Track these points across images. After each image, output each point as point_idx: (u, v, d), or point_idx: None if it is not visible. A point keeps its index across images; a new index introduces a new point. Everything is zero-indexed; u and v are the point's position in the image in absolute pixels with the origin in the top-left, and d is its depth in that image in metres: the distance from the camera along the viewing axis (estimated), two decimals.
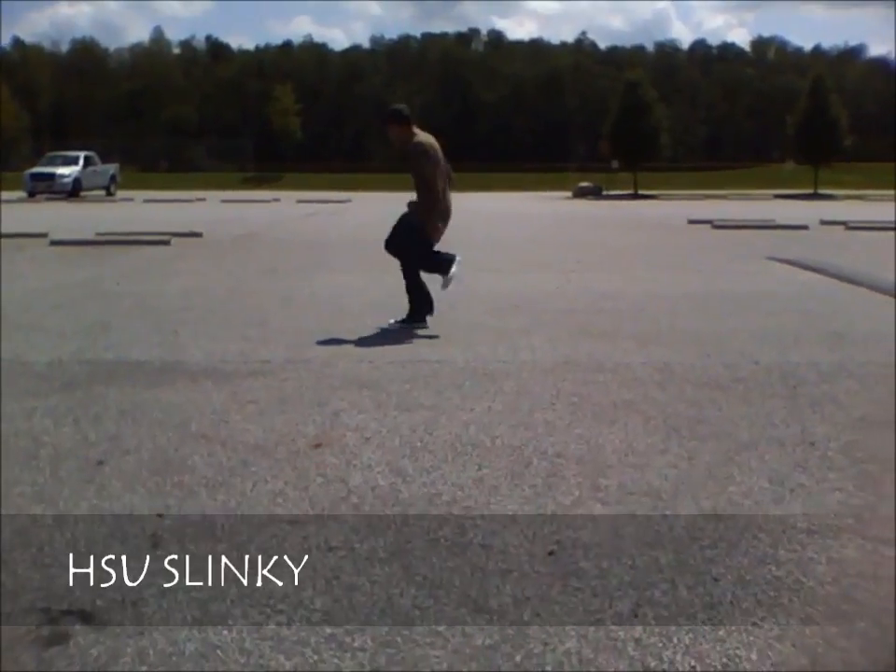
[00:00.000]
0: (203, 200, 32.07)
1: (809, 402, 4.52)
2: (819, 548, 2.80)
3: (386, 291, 8.44)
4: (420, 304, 6.68)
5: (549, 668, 2.13)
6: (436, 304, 6.79)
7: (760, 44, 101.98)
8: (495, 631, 2.30)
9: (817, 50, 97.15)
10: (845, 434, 3.97)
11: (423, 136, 6.70)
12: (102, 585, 2.52)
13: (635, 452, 3.72)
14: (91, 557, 2.69)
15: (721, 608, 2.42)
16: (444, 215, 6.77)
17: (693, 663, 2.16)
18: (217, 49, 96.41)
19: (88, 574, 2.58)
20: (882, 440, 3.89)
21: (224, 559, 2.68)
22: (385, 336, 6.24)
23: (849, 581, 2.57)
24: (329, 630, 2.29)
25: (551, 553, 2.75)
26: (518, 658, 2.18)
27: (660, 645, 2.23)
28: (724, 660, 2.17)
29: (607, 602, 2.45)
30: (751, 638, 2.26)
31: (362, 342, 6.06)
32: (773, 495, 3.25)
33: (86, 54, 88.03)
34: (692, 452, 3.72)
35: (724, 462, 3.60)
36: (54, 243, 13.33)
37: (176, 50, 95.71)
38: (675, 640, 2.26)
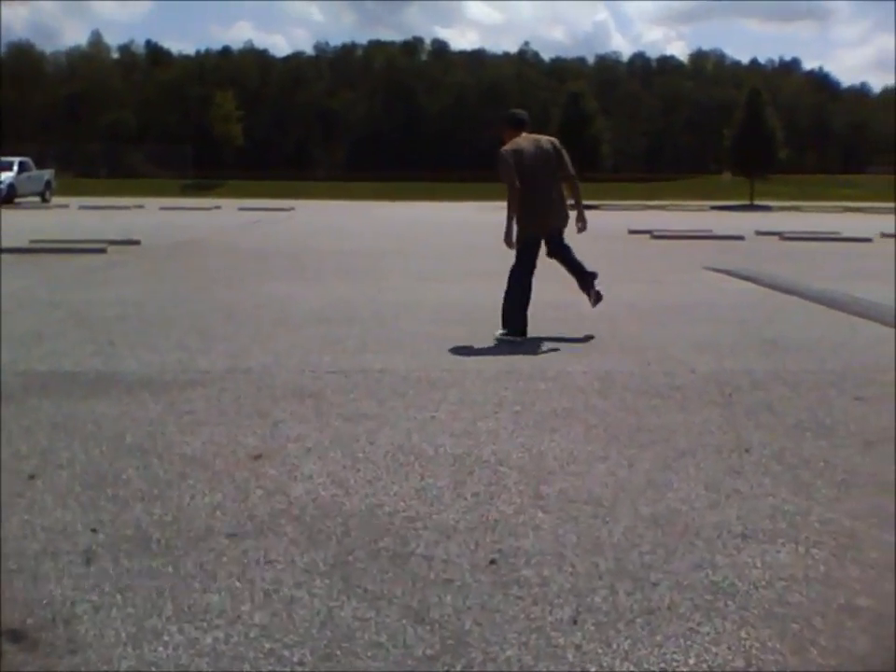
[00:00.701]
0: (142, 207, 31.53)
1: (744, 410, 4.61)
2: (754, 552, 2.85)
3: (328, 300, 8.40)
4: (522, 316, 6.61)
5: None
6: (383, 312, 6.74)
7: (698, 57, 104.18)
8: (436, 641, 2.29)
9: (754, 64, 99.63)
10: (778, 440, 4.06)
11: (513, 142, 6.71)
12: (33, 603, 2.45)
13: (576, 460, 3.76)
14: (23, 574, 2.62)
15: (659, 613, 2.45)
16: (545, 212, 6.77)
17: (631, 668, 2.18)
18: (156, 53, 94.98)
19: (18, 592, 2.51)
20: (814, 446, 3.99)
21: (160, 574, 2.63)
22: (327, 346, 6.20)
23: (783, 585, 2.63)
24: (267, 645, 2.26)
25: (492, 562, 2.76)
26: (459, 667, 2.18)
27: (599, 651, 2.26)
28: (662, 664, 2.20)
29: (547, 609, 2.47)
30: (689, 643, 2.30)
31: (304, 352, 6.01)
32: (709, 500, 3.30)
33: (21, 58, 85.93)
34: (631, 459, 3.77)
35: (663, 469, 3.65)
36: None
37: (115, 55, 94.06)
38: (614, 646, 2.28)
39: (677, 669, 2.18)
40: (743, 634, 2.34)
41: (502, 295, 6.70)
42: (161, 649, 2.24)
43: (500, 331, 6.57)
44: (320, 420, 4.30)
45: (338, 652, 2.23)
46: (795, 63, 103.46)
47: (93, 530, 2.96)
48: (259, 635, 2.31)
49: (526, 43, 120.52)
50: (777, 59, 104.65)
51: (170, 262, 12.31)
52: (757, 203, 43.01)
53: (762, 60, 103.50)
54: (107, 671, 2.14)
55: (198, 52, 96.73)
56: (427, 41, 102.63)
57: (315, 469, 3.58)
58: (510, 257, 6.99)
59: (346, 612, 2.43)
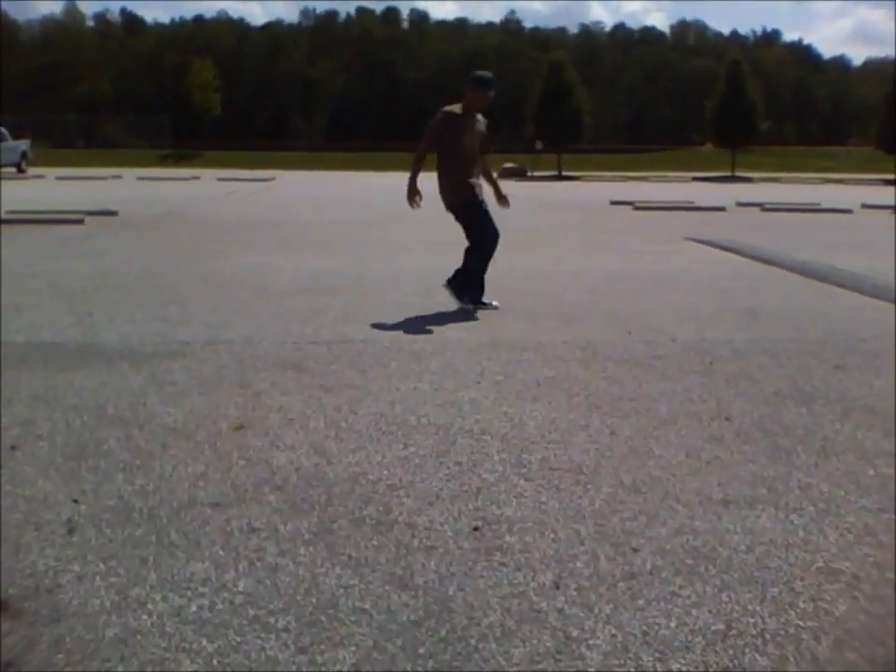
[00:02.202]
0: (119, 177, 31.16)
1: (725, 378, 4.65)
2: (735, 518, 2.89)
3: (309, 271, 8.36)
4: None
5: (473, 641, 2.15)
6: (365, 283, 6.69)
7: (680, 28, 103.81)
8: (420, 607, 2.31)
9: (735, 35, 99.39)
10: (758, 408, 4.10)
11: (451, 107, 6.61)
12: (16, 573, 2.44)
13: (557, 428, 3.78)
14: (6, 544, 2.61)
15: (640, 577, 2.48)
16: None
17: (613, 631, 2.20)
18: (131, 21, 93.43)
19: (2, 562, 2.50)
20: (794, 413, 4.03)
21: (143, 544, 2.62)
22: (308, 317, 6.18)
23: (763, 549, 2.66)
24: (252, 611, 2.27)
25: (475, 529, 2.77)
26: (442, 632, 2.19)
27: (581, 615, 2.28)
28: (644, 628, 2.22)
29: (530, 575, 2.49)
30: (669, 606, 2.32)
31: (285, 322, 5.98)
32: (690, 468, 3.33)
33: None
34: (612, 427, 3.79)
35: (644, 437, 3.68)
36: None
37: (90, 23, 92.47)
38: (596, 610, 2.30)
39: (658, 632, 2.20)
40: (724, 597, 2.37)
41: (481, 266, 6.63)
42: (145, 617, 2.24)
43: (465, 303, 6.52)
44: (302, 391, 4.29)
45: (322, 619, 2.24)
46: (776, 34, 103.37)
47: (75, 501, 2.94)
48: (243, 602, 2.32)
49: (512, 12, 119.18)
50: (758, 30, 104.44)
51: (148, 233, 12.19)
52: (738, 174, 43.10)
53: (743, 31, 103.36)
54: (92, 640, 2.13)
55: (172, 20, 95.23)
56: (406, 11, 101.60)
57: (297, 439, 3.58)
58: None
59: (331, 579, 2.44)
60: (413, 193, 6.60)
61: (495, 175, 7.04)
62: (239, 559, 2.55)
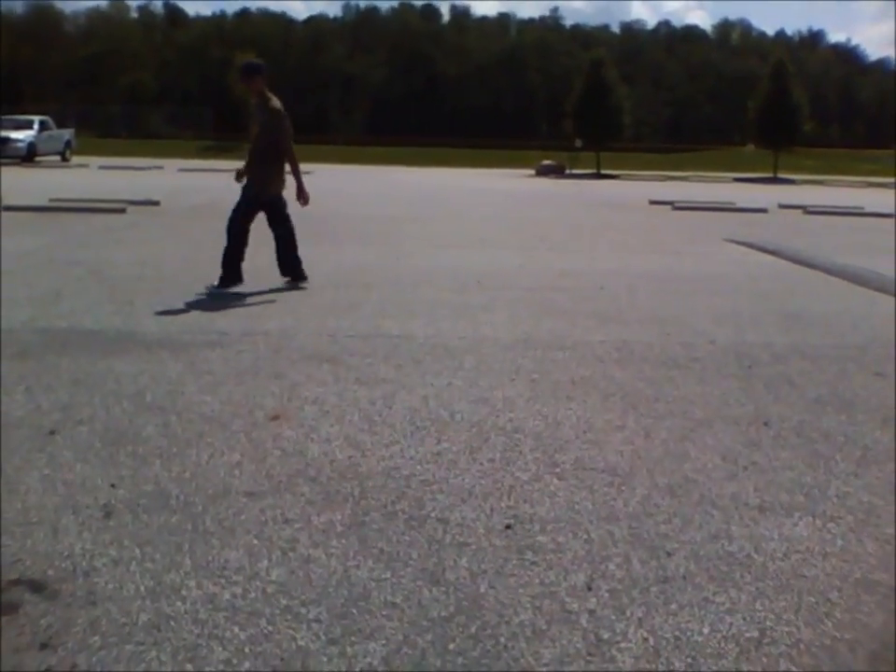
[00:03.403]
0: (161, 168, 31.49)
1: (764, 382, 4.59)
2: (771, 524, 2.85)
3: (346, 265, 8.39)
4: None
5: (503, 639, 2.15)
6: (400, 279, 6.76)
7: (724, 27, 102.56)
8: (451, 603, 2.31)
9: (780, 36, 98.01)
10: (798, 414, 4.04)
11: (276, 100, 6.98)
12: (54, 555, 2.48)
13: (592, 428, 3.75)
14: (43, 526, 2.65)
15: (674, 582, 2.46)
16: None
17: (645, 635, 2.19)
18: (174, 14, 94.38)
19: (39, 544, 2.54)
20: (833, 420, 3.97)
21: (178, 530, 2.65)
22: (345, 310, 6.20)
23: (799, 558, 2.62)
24: (284, 601, 2.28)
25: (507, 527, 2.77)
26: (473, 629, 2.19)
27: (613, 617, 2.26)
28: (676, 633, 2.20)
29: (562, 575, 2.47)
30: (702, 612, 2.30)
31: (322, 315, 6.01)
32: (726, 472, 3.30)
33: (41, 18, 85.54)
34: (648, 429, 3.76)
35: (680, 439, 3.64)
36: (7, 208, 12.99)
37: (134, 15, 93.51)
38: (628, 613, 2.28)
39: (691, 638, 2.18)
40: (758, 605, 2.34)
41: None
42: (179, 603, 2.26)
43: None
44: (337, 383, 4.30)
45: (353, 611, 2.25)
46: (821, 34, 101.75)
47: (113, 486, 2.98)
48: (275, 591, 2.33)
49: (555, 9, 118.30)
50: (803, 30, 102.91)
51: (189, 223, 12.31)
52: (780, 175, 42.50)
53: (788, 31, 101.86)
54: (126, 623, 2.16)
55: (213, 14, 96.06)
56: (447, 6, 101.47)
57: (331, 432, 3.59)
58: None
59: (362, 572, 2.45)
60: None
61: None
62: (272, 549, 2.57)
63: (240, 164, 7.24)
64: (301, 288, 7.05)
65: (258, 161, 6.91)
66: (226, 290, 6.81)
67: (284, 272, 7.21)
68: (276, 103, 6.93)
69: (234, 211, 7.04)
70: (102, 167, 30.08)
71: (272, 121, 6.91)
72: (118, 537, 2.62)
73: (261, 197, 7.03)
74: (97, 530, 2.66)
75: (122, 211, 13.21)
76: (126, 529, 2.67)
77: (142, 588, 2.33)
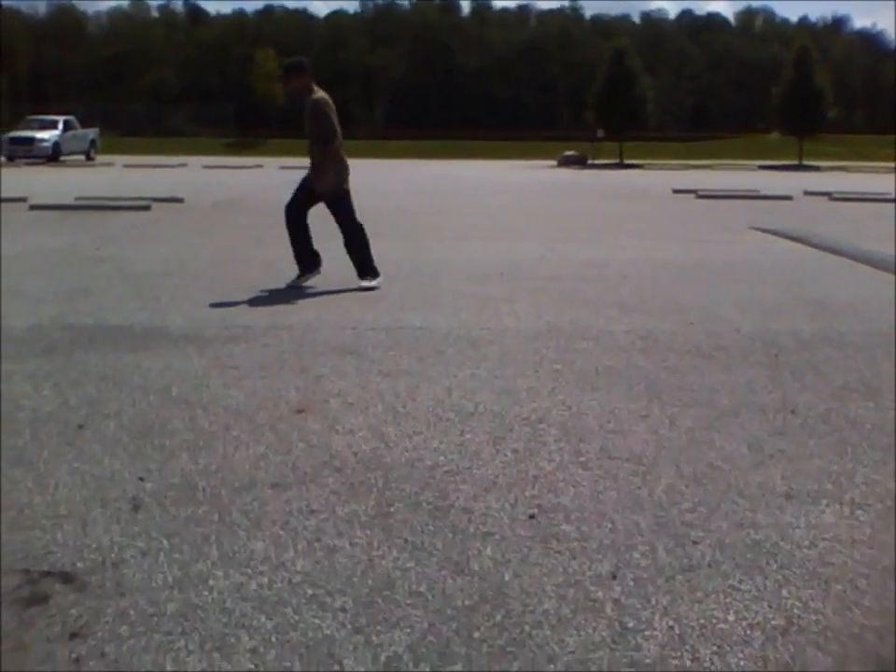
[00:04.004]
0: (185, 165, 31.72)
1: (790, 370, 4.55)
2: (798, 512, 2.83)
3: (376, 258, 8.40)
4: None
5: (528, 628, 2.15)
6: (422, 271, 6.78)
7: (746, 14, 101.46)
8: (475, 591, 2.31)
9: (803, 22, 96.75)
10: (825, 402, 4.00)
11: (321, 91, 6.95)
12: (83, 547, 2.52)
13: (616, 418, 3.74)
14: (73, 519, 2.69)
15: (699, 570, 2.45)
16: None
17: (670, 623, 2.18)
18: (195, 12, 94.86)
19: (69, 536, 2.58)
20: (861, 407, 3.93)
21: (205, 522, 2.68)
22: (368, 303, 6.22)
23: (826, 545, 2.60)
24: (310, 591, 2.30)
25: (532, 517, 2.77)
26: (498, 617, 2.19)
27: (638, 606, 2.26)
28: (702, 621, 2.19)
29: (586, 564, 2.47)
30: (728, 600, 2.29)
31: (345, 308, 6.03)
32: (753, 460, 3.27)
33: (64, 18, 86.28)
34: (673, 418, 3.74)
35: (705, 428, 3.62)
36: (33, 207, 13.16)
37: (155, 14, 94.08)
38: (653, 601, 2.28)
39: (716, 626, 2.17)
40: (784, 593, 2.33)
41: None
42: (206, 593, 2.28)
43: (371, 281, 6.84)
44: (361, 376, 4.32)
45: (379, 600, 2.26)
46: (846, 20, 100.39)
47: (141, 479, 3.02)
48: (301, 581, 2.35)
49: None
50: (828, 16, 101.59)
51: (213, 220, 12.39)
52: (805, 162, 42.06)
53: (812, 18, 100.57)
54: (154, 614, 2.19)
55: (234, 11, 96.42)
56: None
57: (355, 424, 3.61)
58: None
59: (387, 562, 2.46)
60: None
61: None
62: (298, 539, 2.59)
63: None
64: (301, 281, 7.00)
65: (321, 154, 6.89)
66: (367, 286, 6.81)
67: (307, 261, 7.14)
68: (319, 94, 6.90)
69: (341, 211, 7.01)
70: (126, 165, 30.34)
71: (311, 108, 6.87)
72: (146, 529, 2.65)
73: (336, 189, 6.97)
74: (125, 522, 2.69)
75: (147, 208, 13.33)
76: (154, 521, 2.70)
77: (170, 579, 2.36)
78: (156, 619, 2.17)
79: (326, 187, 6.90)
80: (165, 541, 2.56)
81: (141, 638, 2.08)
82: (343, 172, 6.97)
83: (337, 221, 7.05)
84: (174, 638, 2.09)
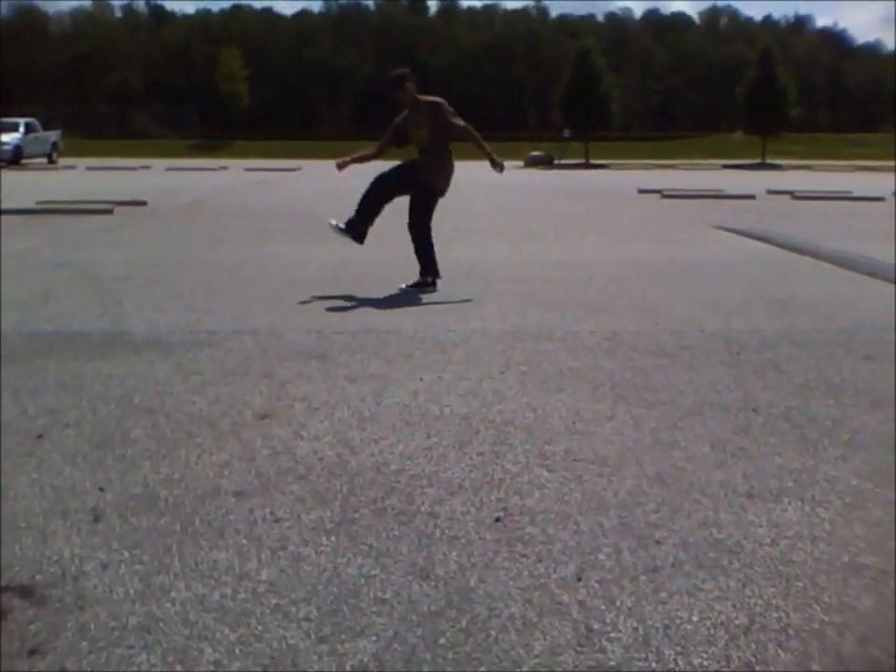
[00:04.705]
0: (149, 168, 31.39)
1: (752, 369, 4.60)
2: (760, 511, 2.85)
3: (335, 261, 8.38)
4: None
5: (493, 633, 2.15)
6: (384, 273, 6.80)
7: (711, 14, 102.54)
8: (441, 597, 2.31)
9: (767, 21, 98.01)
10: (786, 400, 4.05)
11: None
12: (42, 560, 2.48)
13: (582, 419, 3.76)
14: (32, 531, 2.64)
15: (663, 570, 2.46)
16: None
17: (635, 624, 2.19)
18: (158, 13, 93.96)
19: (27, 549, 2.53)
20: (822, 405, 3.98)
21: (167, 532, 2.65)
22: (334, 306, 6.19)
23: (787, 543, 2.63)
24: (274, 600, 2.28)
25: (497, 520, 2.77)
26: (464, 623, 2.19)
27: (603, 608, 2.27)
28: (666, 621, 2.21)
29: (552, 566, 2.48)
30: (692, 600, 2.31)
31: (310, 312, 6.00)
32: (715, 459, 3.30)
33: (25, 18, 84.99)
34: (637, 418, 3.77)
35: (669, 428, 3.65)
36: None
37: (118, 15, 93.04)
38: (618, 603, 2.29)
39: (680, 626, 2.19)
40: (747, 591, 2.35)
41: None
42: (168, 605, 2.26)
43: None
44: (326, 380, 4.30)
45: (344, 608, 2.25)
46: (808, 19, 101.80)
47: (101, 489, 2.97)
48: (265, 591, 2.33)
49: None
50: (790, 15, 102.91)
51: (177, 223, 12.27)
52: (769, 161, 42.58)
53: (775, 16, 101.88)
54: (115, 627, 2.16)
55: (198, 11, 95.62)
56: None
57: (321, 429, 3.59)
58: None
59: (352, 569, 2.45)
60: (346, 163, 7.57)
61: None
62: (262, 548, 2.57)
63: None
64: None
65: (439, 157, 7.01)
66: (425, 288, 6.86)
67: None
68: (434, 98, 7.05)
69: (415, 212, 7.12)
70: (89, 168, 29.97)
71: (436, 112, 6.96)
72: (106, 540, 2.61)
73: (437, 188, 7.09)
74: (86, 534, 2.65)
75: (109, 212, 13.17)
76: (115, 532, 2.66)
77: (131, 591, 2.32)
78: (117, 633, 2.14)
79: (445, 185, 7.06)
80: (126, 553, 2.53)
81: (102, 653, 2.05)
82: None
83: (423, 220, 7.13)
84: (135, 652, 2.06)
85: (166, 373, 4.40)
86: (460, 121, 7.00)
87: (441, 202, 7.25)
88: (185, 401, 3.94)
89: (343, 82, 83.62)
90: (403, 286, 6.87)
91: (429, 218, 7.14)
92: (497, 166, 7.16)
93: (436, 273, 7.01)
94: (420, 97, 7.05)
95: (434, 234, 7.24)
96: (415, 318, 5.79)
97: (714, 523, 2.76)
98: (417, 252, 7.06)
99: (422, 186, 7.02)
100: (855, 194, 18.54)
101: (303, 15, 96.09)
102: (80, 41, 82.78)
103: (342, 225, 7.16)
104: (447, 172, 7.09)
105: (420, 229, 7.06)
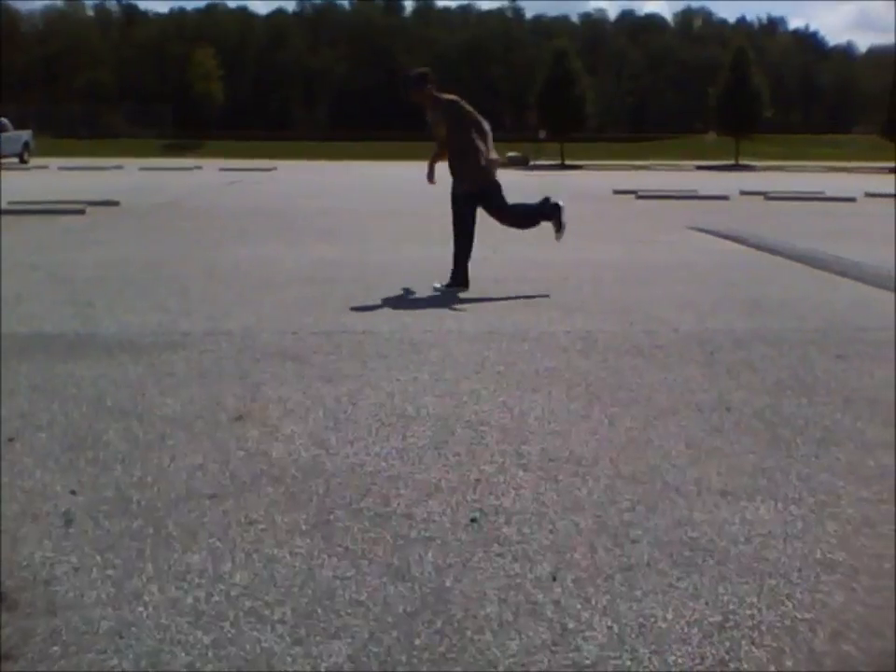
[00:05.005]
0: (121, 167, 31.11)
1: (726, 368, 4.63)
2: (733, 509, 2.88)
3: (310, 261, 8.35)
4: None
5: (469, 633, 2.15)
6: (366, 274, 6.79)
7: (685, 15, 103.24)
8: (416, 598, 2.30)
9: (741, 22, 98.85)
10: (759, 398, 4.08)
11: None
12: (13, 564, 2.44)
13: (557, 419, 3.77)
14: (2, 536, 2.61)
15: (638, 569, 2.47)
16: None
17: (610, 623, 2.20)
18: (130, 11, 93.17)
19: None
20: (795, 404, 4.02)
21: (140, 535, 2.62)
22: (309, 307, 6.17)
23: (761, 541, 2.65)
24: (248, 603, 2.27)
25: (473, 521, 2.77)
26: (439, 624, 2.19)
27: (578, 607, 2.27)
28: (641, 620, 2.22)
29: (527, 566, 2.48)
30: (666, 598, 2.32)
31: (285, 313, 5.97)
32: (689, 458, 3.32)
33: None
34: (612, 418, 3.78)
35: (644, 427, 3.66)
36: None
37: (90, 13, 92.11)
38: (593, 602, 2.30)
39: (655, 624, 2.20)
40: (721, 589, 2.36)
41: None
42: (140, 609, 2.23)
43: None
44: (302, 381, 4.28)
45: (319, 610, 2.24)
46: (781, 21, 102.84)
47: (73, 492, 2.94)
48: (239, 594, 2.31)
49: (513, 0, 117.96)
50: (763, 17, 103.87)
51: (150, 223, 12.17)
52: (742, 162, 42.94)
53: (749, 18, 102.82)
54: (87, 632, 2.13)
55: (172, 10, 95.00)
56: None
57: (296, 430, 3.57)
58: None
59: (327, 571, 2.44)
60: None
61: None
62: (236, 551, 2.55)
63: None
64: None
65: (458, 157, 6.92)
66: (454, 289, 6.85)
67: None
68: (449, 96, 6.99)
69: (458, 215, 7.06)
70: (61, 168, 29.65)
71: (452, 111, 6.90)
72: (78, 544, 2.58)
73: (474, 189, 6.96)
74: (57, 538, 2.62)
75: (82, 212, 13.03)
76: (87, 536, 2.63)
77: (103, 595, 2.30)
78: (88, 637, 2.11)
79: (482, 179, 6.93)
80: (98, 557, 2.50)
81: (73, 658, 2.03)
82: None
83: (469, 221, 7.07)
84: (107, 657, 2.04)
85: (139, 375, 4.36)
86: (477, 117, 6.93)
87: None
88: (158, 403, 3.90)
89: (318, 82, 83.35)
90: (438, 285, 6.89)
91: (470, 223, 7.05)
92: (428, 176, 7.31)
93: (463, 283, 6.96)
94: (439, 95, 6.99)
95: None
96: (391, 319, 5.78)
97: (688, 521, 2.78)
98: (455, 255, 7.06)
99: (457, 194, 7.04)
100: (827, 195, 18.75)
101: (278, 15, 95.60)
102: (52, 40, 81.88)
103: (445, 285, 6.94)
104: (474, 165, 6.86)
105: (462, 234, 7.04)
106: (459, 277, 6.94)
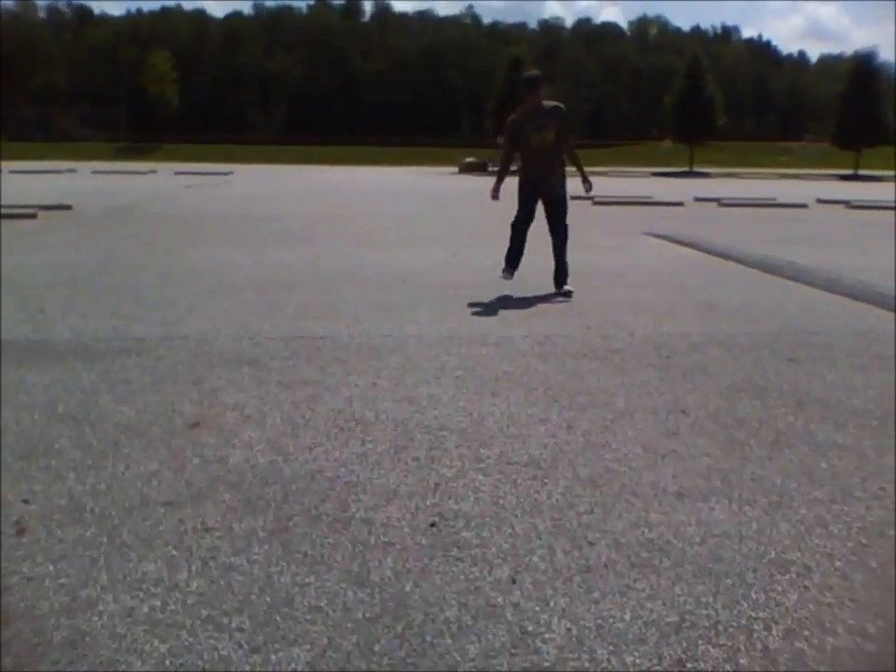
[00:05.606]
0: (75, 171, 30.62)
1: (681, 372, 4.69)
2: (689, 510, 2.91)
3: (267, 266, 8.29)
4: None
5: (429, 637, 2.15)
6: (323, 278, 6.75)
7: (641, 23, 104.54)
8: (376, 604, 2.30)
9: (695, 31, 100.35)
10: (714, 401, 4.14)
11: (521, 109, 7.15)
12: None
13: (516, 423, 3.78)
14: None
15: (596, 571, 2.49)
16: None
17: (568, 625, 2.21)
18: (83, 13, 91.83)
19: None
20: (748, 406, 4.08)
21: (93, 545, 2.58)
22: (266, 312, 6.12)
23: (716, 541, 2.69)
24: (205, 612, 2.24)
25: (432, 525, 2.77)
26: (399, 629, 2.18)
27: (537, 609, 2.28)
28: (599, 621, 2.23)
29: (486, 570, 2.49)
30: (624, 599, 2.34)
31: (242, 318, 5.92)
32: (646, 460, 3.36)
33: None
34: (570, 421, 3.81)
35: (601, 430, 3.70)
36: None
37: (42, 15, 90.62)
38: (552, 604, 2.31)
39: (613, 625, 2.22)
40: (677, 590, 2.39)
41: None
42: (95, 619, 2.20)
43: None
44: (259, 387, 4.24)
45: (277, 618, 2.22)
46: (735, 30, 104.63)
47: (25, 501, 2.88)
48: (196, 602, 2.29)
49: (469, 7, 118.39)
50: (717, 26, 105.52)
51: (103, 228, 11.99)
52: (696, 169, 43.56)
53: (703, 27, 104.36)
54: (40, 643, 2.09)
55: (128, 12, 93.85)
56: (368, 4, 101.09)
57: (253, 437, 3.54)
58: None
59: (286, 578, 2.42)
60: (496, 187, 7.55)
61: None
62: (192, 559, 2.52)
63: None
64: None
65: (557, 161, 7.17)
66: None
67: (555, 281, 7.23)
68: (553, 102, 7.09)
69: (565, 215, 7.39)
70: (12, 171, 29.08)
71: (563, 116, 7.06)
72: (30, 553, 2.53)
73: (548, 196, 7.26)
74: (9, 548, 2.56)
75: (33, 216, 12.81)
76: (39, 545, 2.58)
77: (56, 605, 2.26)
78: (42, 648, 2.07)
79: (562, 190, 7.27)
80: (51, 566, 2.46)
81: (26, 669, 1.99)
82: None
83: (558, 224, 7.38)
84: (61, 668, 2.00)
85: (92, 382, 4.29)
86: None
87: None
88: (112, 410, 3.84)
89: (274, 85, 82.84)
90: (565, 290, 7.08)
91: (561, 224, 7.36)
92: (587, 183, 7.50)
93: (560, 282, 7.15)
94: (545, 102, 7.07)
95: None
96: (350, 323, 5.76)
97: (645, 523, 2.81)
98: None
99: (547, 199, 7.29)
100: (779, 201, 19.10)
101: (234, 17, 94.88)
102: (3, 41, 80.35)
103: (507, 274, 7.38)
104: (562, 176, 7.25)
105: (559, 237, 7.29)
106: (564, 271, 7.20)
